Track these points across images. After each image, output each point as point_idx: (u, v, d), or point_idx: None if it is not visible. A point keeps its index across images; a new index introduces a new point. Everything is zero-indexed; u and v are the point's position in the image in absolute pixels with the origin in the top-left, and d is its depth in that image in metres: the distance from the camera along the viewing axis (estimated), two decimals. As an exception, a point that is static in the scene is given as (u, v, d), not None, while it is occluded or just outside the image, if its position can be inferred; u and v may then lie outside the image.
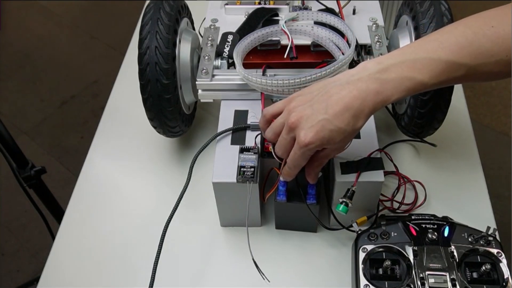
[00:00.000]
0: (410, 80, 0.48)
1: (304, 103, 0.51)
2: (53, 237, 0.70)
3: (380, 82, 0.48)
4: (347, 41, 0.67)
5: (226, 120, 0.66)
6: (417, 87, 0.49)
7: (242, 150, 0.61)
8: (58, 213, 1.05)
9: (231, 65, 0.70)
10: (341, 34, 0.68)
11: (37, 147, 1.76)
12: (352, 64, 0.69)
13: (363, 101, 0.48)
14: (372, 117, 0.65)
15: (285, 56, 0.67)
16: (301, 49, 0.70)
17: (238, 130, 0.65)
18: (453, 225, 0.57)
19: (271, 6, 0.74)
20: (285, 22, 0.69)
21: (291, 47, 0.67)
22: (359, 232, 0.58)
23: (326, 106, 0.49)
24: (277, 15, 0.73)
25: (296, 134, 0.50)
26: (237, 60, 0.65)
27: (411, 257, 0.55)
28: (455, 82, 0.51)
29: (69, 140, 1.78)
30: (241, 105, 0.68)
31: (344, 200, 0.58)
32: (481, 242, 0.56)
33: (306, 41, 0.71)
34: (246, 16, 0.74)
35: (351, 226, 0.61)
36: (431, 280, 0.53)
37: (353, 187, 0.59)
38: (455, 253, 0.55)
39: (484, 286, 0.53)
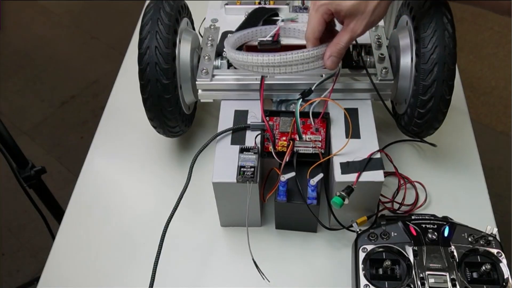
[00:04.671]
0: None
1: None
2: (53, 237, 0.70)
3: None
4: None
5: (226, 120, 0.66)
6: None
7: (242, 150, 0.61)
8: (58, 213, 1.05)
9: (231, 65, 0.70)
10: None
11: (37, 147, 1.76)
12: (352, 64, 0.69)
13: None
14: (372, 117, 0.66)
15: (266, 37, 0.67)
16: (300, 48, 0.70)
17: (238, 130, 0.65)
18: (453, 225, 0.57)
19: (271, 6, 0.74)
20: (283, 20, 0.69)
21: (274, 34, 0.67)
22: (359, 232, 0.58)
23: None
24: (277, 15, 0.73)
25: None
26: (227, 45, 0.65)
27: (411, 257, 0.55)
28: None
29: (69, 140, 1.78)
30: (241, 105, 0.68)
31: (341, 193, 0.58)
32: (481, 242, 0.56)
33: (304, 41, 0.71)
34: (246, 16, 0.74)
35: (351, 226, 0.61)
36: (431, 280, 0.53)
37: (353, 186, 0.59)
38: (455, 253, 0.55)
39: (484, 286, 0.53)
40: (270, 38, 0.70)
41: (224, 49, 0.69)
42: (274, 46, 0.70)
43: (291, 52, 0.59)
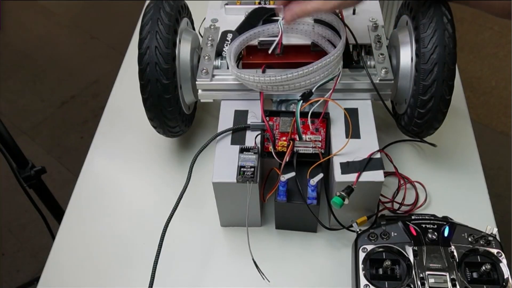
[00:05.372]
0: None
1: None
2: (53, 237, 0.70)
3: None
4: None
5: (226, 120, 0.66)
6: None
7: (242, 150, 0.61)
8: (58, 213, 1.05)
9: (231, 65, 0.69)
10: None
11: (37, 147, 1.76)
12: (352, 63, 0.69)
13: None
14: (372, 117, 0.66)
15: (270, 51, 0.67)
16: (301, 49, 0.70)
17: (238, 130, 0.65)
18: (453, 225, 0.57)
19: (271, 6, 0.74)
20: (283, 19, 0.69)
21: (277, 44, 0.67)
22: (359, 232, 0.58)
23: None
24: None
25: None
26: (230, 60, 0.65)
27: (411, 257, 0.55)
28: None
29: (69, 140, 1.78)
30: (241, 105, 0.68)
31: (341, 193, 0.58)
32: (481, 242, 0.56)
33: (306, 41, 0.71)
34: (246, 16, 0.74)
35: (351, 226, 0.61)
36: (431, 280, 0.53)
37: (353, 186, 0.59)
38: (455, 253, 0.55)
39: (484, 286, 0.53)
40: (271, 38, 0.70)
41: (225, 54, 0.69)
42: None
43: (289, 72, 0.61)
